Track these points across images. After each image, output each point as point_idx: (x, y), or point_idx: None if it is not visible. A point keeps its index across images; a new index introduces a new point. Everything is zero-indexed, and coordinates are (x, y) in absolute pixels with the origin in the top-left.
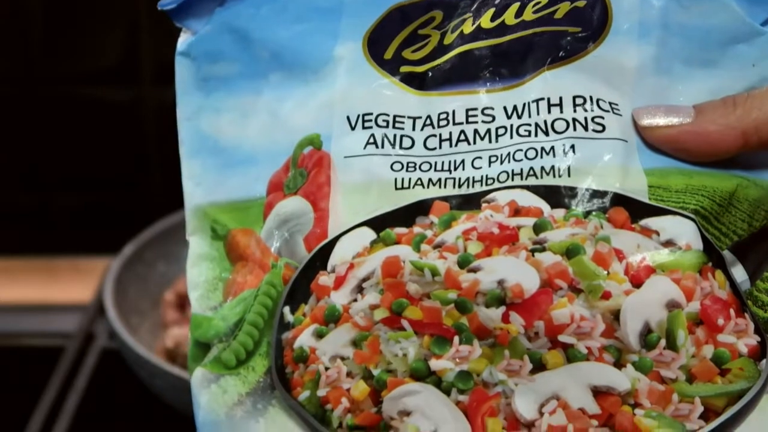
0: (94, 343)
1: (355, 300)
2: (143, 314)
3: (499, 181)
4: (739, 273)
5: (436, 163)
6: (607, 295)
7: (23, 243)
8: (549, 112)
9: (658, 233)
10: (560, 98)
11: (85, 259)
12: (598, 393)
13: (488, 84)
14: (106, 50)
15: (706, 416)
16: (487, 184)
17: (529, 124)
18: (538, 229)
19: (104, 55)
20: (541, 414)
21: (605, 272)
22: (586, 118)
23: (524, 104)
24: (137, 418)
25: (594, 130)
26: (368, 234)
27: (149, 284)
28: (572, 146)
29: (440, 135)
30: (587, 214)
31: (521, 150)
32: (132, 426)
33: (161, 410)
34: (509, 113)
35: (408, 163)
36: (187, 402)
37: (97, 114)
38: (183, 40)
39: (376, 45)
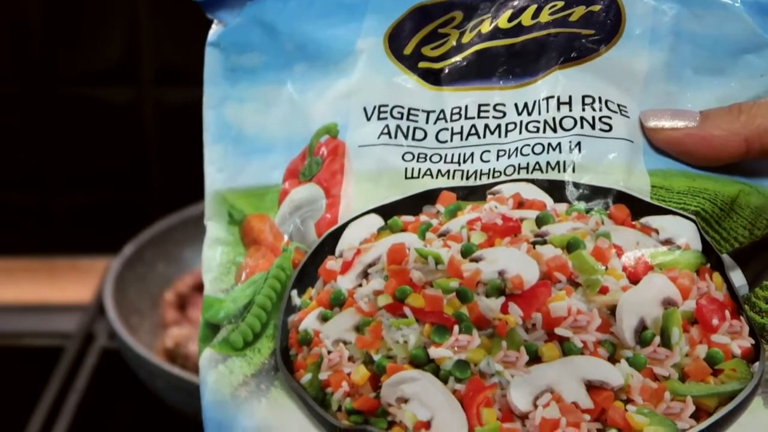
0: (94, 343)
1: (360, 285)
2: (143, 314)
3: (505, 175)
4: (738, 278)
5: (446, 155)
6: (604, 290)
7: (23, 243)
8: (558, 109)
9: (657, 231)
10: (570, 97)
11: (85, 259)
12: (592, 387)
13: (502, 81)
14: (106, 50)
15: (697, 416)
16: (493, 177)
17: (538, 121)
18: (540, 222)
19: (104, 55)
20: (536, 406)
21: (604, 267)
22: (593, 117)
23: (535, 101)
24: (137, 418)
25: (601, 129)
26: (376, 221)
27: (149, 284)
28: (578, 143)
29: (452, 128)
30: (589, 209)
31: (528, 145)
32: (132, 426)
33: (161, 410)
34: (520, 110)
35: (419, 154)
36: (186, 402)
37: (97, 114)
38: (214, 31)
39: (396, 41)
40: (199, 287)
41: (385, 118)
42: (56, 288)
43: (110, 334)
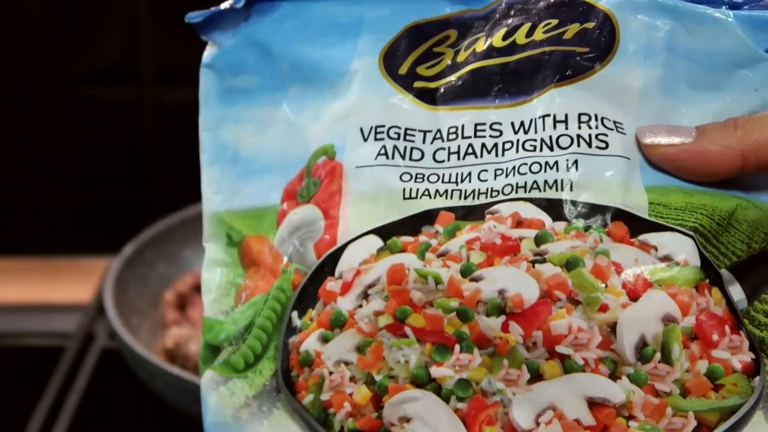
0: (94, 343)
1: (361, 306)
2: (143, 314)
3: (503, 194)
4: (737, 292)
5: (443, 174)
6: (604, 308)
7: (23, 243)
8: (554, 128)
9: (656, 248)
10: (566, 115)
11: (85, 259)
12: (594, 404)
13: (497, 100)
14: (106, 50)
15: (698, 431)
16: (491, 196)
17: (535, 140)
18: (539, 240)
19: (104, 55)
20: (538, 424)
21: (603, 285)
22: (590, 135)
23: (531, 120)
24: (137, 418)
25: (597, 147)
26: (375, 242)
27: (149, 284)
28: (575, 162)
29: (449, 148)
30: (588, 227)
31: (526, 164)
32: (132, 426)
33: (161, 410)
34: (516, 128)
35: (417, 174)
36: (186, 402)
37: (97, 114)
38: (208, 53)
39: (391, 60)
40: (199, 287)
41: (382, 139)
42: (56, 288)
43: (110, 334)
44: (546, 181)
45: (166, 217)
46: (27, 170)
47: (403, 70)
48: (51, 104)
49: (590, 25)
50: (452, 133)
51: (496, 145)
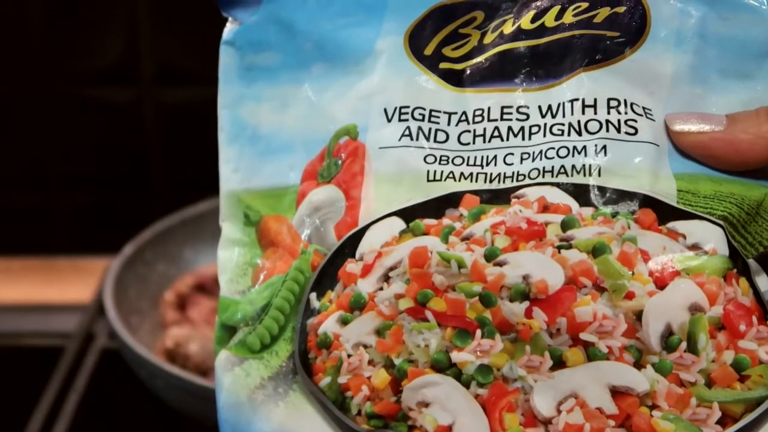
0: (94, 343)
1: (381, 288)
2: (143, 314)
3: (529, 178)
4: (764, 282)
5: (468, 157)
6: (630, 296)
7: (23, 243)
8: (583, 112)
9: (684, 236)
10: (595, 100)
11: (85, 259)
12: (617, 393)
13: (525, 83)
14: (106, 50)
15: (723, 422)
16: (517, 180)
17: (563, 124)
18: (565, 226)
19: (104, 55)
20: (559, 412)
21: (630, 272)
22: (619, 121)
23: (559, 104)
24: (137, 418)
25: (626, 133)
26: (398, 224)
27: (149, 284)
28: (604, 147)
29: (474, 131)
30: (615, 214)
31: (553, 148)
32: (132, 426)
33: (161, 410)
34: (543, 112)
35: (441, 156)
36: (186, 402)
37: (97, 114)
38: (229, 30)
39: (417, 41)
40: (199, 287)
41: (407, 120)
42: (56, 288)
43: (110, 334)
44: (573, 166)
45: (166, 217)
46: (27, 170)
47: (428, 50)
48: (51, 104)
49: (621, 9)
50: (478, 115)
51: (522, 128)
